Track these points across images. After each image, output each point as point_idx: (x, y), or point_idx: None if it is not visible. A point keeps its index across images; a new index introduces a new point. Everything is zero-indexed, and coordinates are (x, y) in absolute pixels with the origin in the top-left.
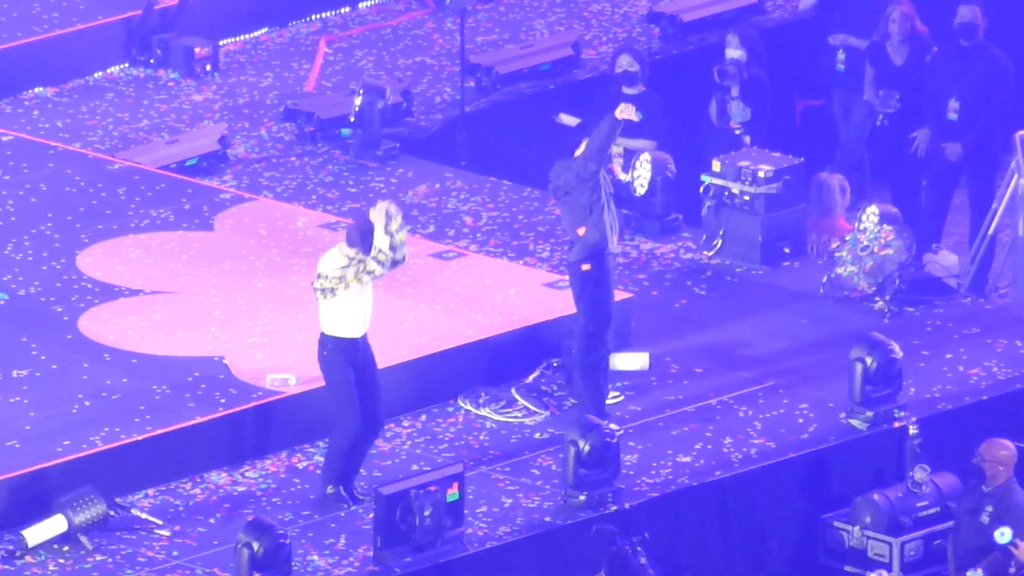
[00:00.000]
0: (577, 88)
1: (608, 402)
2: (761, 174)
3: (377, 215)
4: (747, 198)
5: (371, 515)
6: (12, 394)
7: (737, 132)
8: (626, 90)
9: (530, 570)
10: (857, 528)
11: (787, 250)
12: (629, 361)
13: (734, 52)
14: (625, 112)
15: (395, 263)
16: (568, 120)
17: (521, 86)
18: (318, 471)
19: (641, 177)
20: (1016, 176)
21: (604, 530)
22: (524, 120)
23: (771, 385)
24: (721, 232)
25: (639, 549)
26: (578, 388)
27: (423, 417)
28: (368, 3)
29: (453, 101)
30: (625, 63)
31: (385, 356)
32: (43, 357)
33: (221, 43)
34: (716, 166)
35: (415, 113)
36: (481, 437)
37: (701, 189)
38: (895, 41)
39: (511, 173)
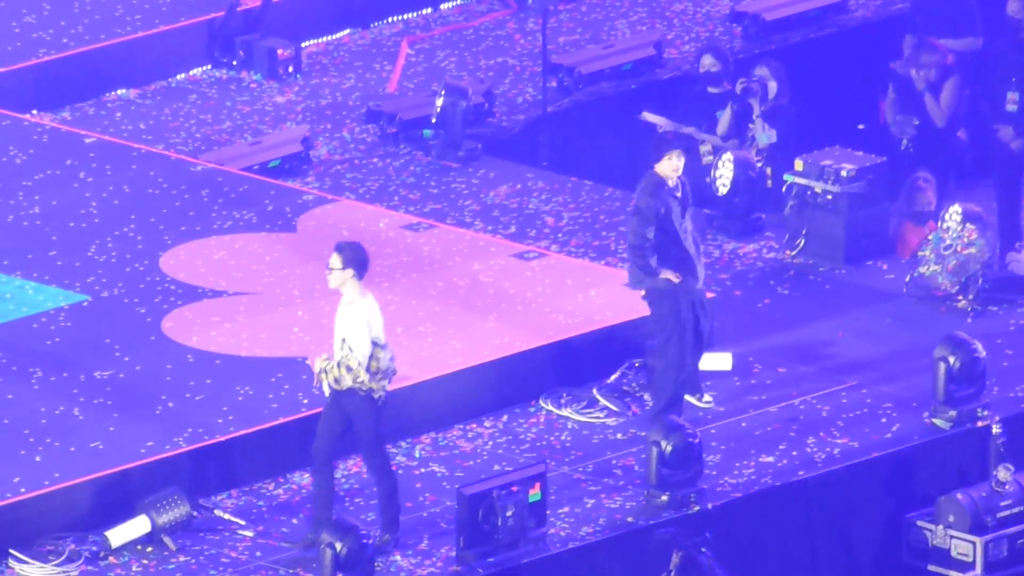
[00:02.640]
0: (659, 88)
1: (701, 405)
2: (844, 173)
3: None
4: (830, 197)
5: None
6: (96, 395)
7: (759, 160)
8: (710, 90)
9: (612, 571)
10: (940, 527)
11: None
12: (712, 361)
13: (766, 78)
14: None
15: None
16: (653, 119)
17: (603, 86)
18: (401, 471)
19: (723, 176)
20: None
21: (666, 533)
22: (606, 120)
23: (854, 385)
24: (804, 231)
25: (704, 550)
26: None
27: (505, 417)
28: (450, 4)
29: (535, 101)
30: (708, 63)
31: (467, 357)
32: (127, 358)
33: (303, 45)
34: (799, 165)
35: (497, 114)
36: (563, 437)
37: (784, 188)
38: (927, 75)
39: (593, 173)
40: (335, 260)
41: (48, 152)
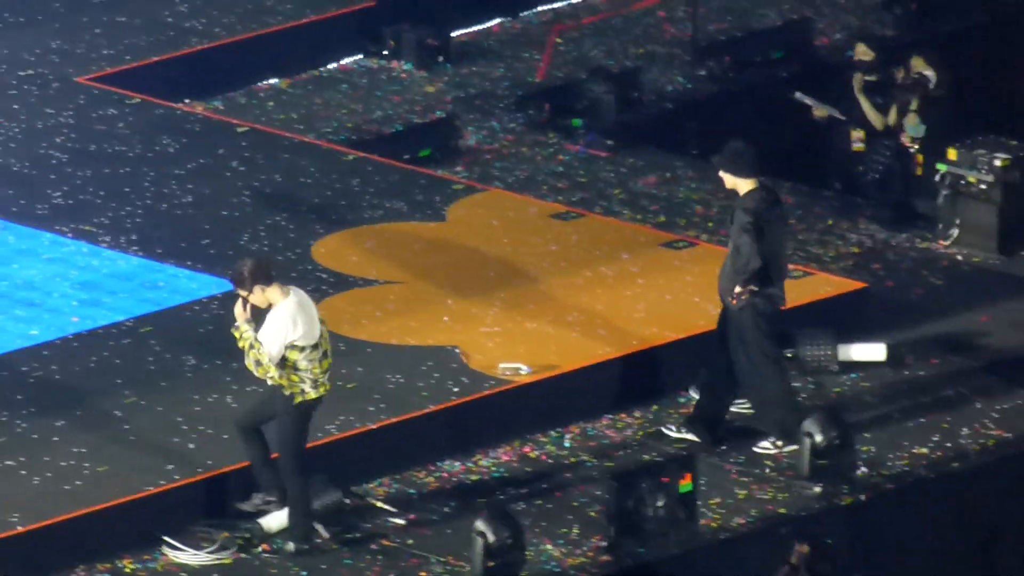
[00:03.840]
0: (809, 76)
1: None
2: (999, 162)
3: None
4: (984, 187)
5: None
6: (248, 383)
7: (912, 149)
8: (864, 77)
9: (764, 561)
10: None
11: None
12: (865, 352)
13: (924, 69)
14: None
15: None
16: (806, 99)
17: (753, 73)
18: (551, 460)
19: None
20: None
21: (788, 535)
22: (755, 108)
23: (1009, 376)
24: (957, 221)
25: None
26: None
27: (654, 407)
28: None
29: (684, 89)
30: (861, 51)
31: (616, 346)
32: None
33: (453, 34)
34: (952, 154)
35: (645, 102)
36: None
37: (937, 178)
38: None
39: None
40: (241, 292)
41: (200, 141)
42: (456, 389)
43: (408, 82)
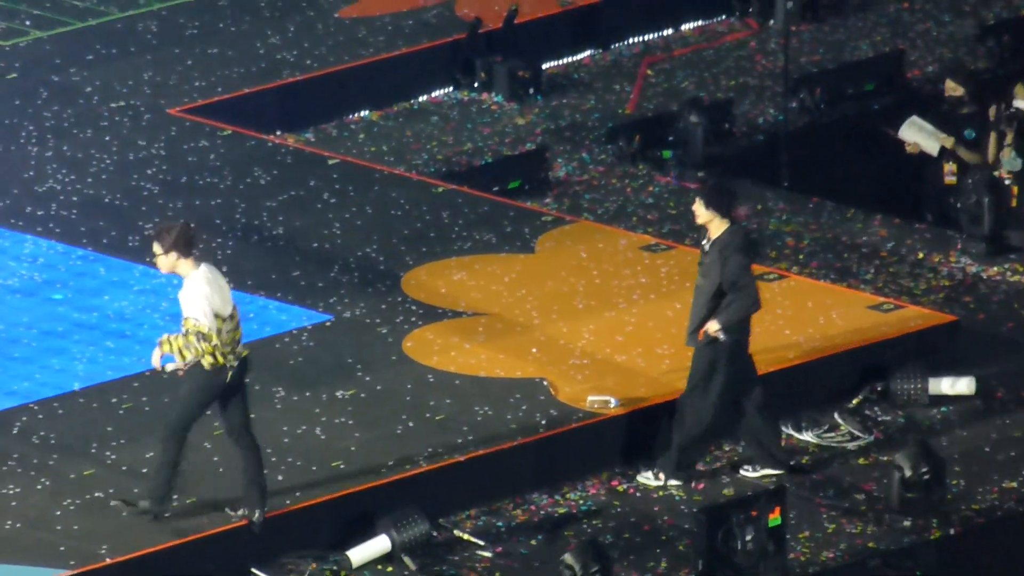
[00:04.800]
0: (902, 108)
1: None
2: None
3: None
4: None
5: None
6: (338, 415)
7: (1008, 182)
8: (959, 111)
9: None
10: None
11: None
12: (956, 385)
13: (1021, 103)
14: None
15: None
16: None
17: (845, 106)
18: (639, 493)
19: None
20: None
21: (878, 569)
22: (847, 140)
23: None
24: None
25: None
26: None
27: (743, 442)
28: (691, 25)
29: (776, 121)
30: (951, 87)
31: None
32: (368, 378)
33: (544, 66)
34: None
35: (737, 133)
36: (803, 461)
37: None
38: None
39: (834, 193)
40: (155, 247)
41: (292, 173)
42: (544, 421)
43: (499, 114)
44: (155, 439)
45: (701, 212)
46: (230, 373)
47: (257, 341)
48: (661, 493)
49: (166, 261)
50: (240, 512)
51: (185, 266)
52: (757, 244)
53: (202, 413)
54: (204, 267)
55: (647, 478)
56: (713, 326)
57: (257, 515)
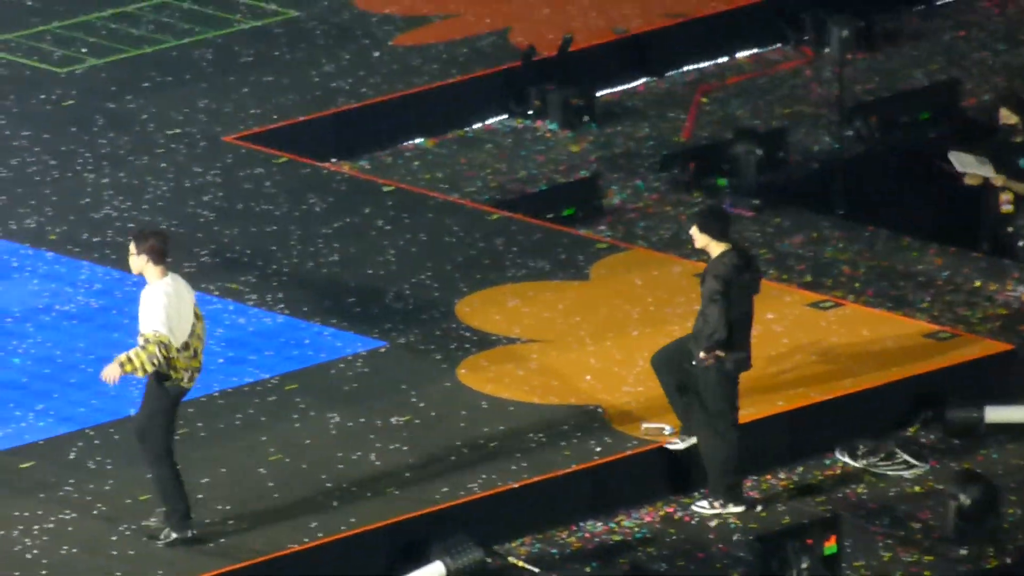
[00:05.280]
0: (957, 138)
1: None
2: None
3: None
4: None
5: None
6: (392, 441)
7: None
8: (1013, 140)
9: None
10: None
11: None
12: (1012, 414)
13: None
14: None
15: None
16: (959, 167)
17: (900, 134)
18: (693, 521)
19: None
20: None
21: None
22: (902, 169)
23: None
24: None
25: None
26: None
27: (799, 469)
28: (745, 53)
29: (831, 150)
30: (1004, 115)
31: (760, 407)
32: (422, 404)
33: (598, 94)
34: None
35: (792, 162)
36: (859, 490)
37: None
38: None
39: (889, 222)
40: (131, 246)
41: (346, 200)
42: (599, 449)
43: (553, 142)
44: (147, 472)
45: (697, 236)
46: (183, 389)
47: (312, 367)
48: (717, 522)
49: (136, 262)
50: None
51: (152, 273)
52: (752, 265)
53: (173, 430)
54: (170, 279)
55: (702, 507)
56: (701, 355)
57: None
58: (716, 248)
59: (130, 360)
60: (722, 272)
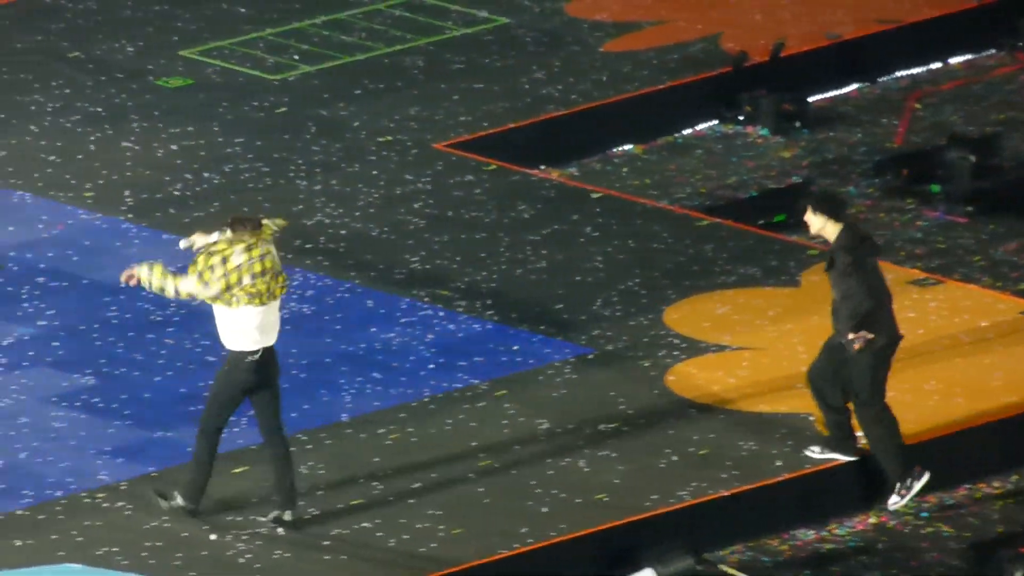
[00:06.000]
0: None
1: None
2: None
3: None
4: None
5: None
6: (601, 447)
7: None
8: None
9: None
10: None
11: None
12: None
13: None
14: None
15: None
16: None
17: None
18: (907, 530)
19: None
20: None
21: None
22: None
23: None
24: None
25: None
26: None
27: (1014, 477)
28: (959, 59)
29: None
30: None
31: (974, 414)
32: (631, 411)
33: (810, 99)
34: None
35: (1006, 168)
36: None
37: None
38: None
39: None
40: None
41: (555, 207)
42: (812, 455)
43: (763, 147)
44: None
45: (812, 220)
46: (253, 366)
47: (520, 373)
48: (930, 530)
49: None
50: (271, 516)
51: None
52: (870, 240)
53: (230, 409)
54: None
55: (895, 502)
56: (849, 337)
57: (288, 514)
58: (833, 228)
59: (150, 282)
60: (847, 244)
